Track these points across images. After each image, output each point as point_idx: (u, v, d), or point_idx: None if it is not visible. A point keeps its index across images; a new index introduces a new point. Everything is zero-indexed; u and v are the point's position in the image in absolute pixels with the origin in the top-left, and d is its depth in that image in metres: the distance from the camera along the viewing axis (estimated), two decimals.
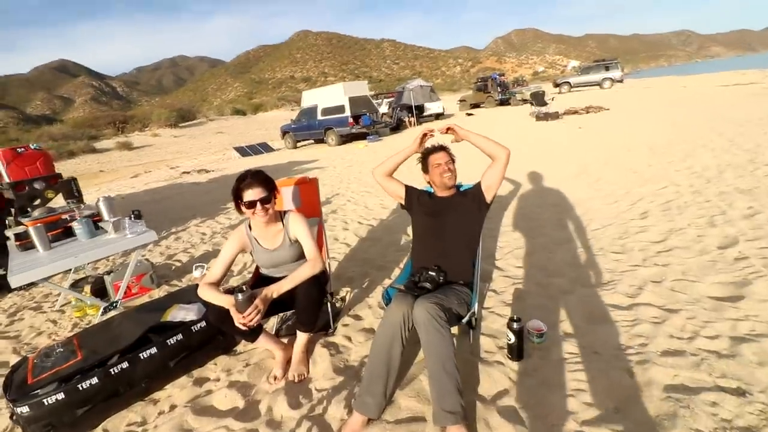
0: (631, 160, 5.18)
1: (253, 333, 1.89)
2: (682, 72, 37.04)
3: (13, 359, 2.50)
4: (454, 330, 2.07)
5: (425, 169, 2.16)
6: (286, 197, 2.44)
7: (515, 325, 1.76)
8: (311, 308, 1.91)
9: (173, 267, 3.90)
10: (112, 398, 1.84)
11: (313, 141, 15.38)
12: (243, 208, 1.92)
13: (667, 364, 1.61)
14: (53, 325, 2.95)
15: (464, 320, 1.78)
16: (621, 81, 21.43)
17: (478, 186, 2.07)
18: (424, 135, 2.16)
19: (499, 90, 20.52)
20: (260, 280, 2.18)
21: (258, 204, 1.88)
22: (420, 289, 1.78)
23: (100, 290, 3.18)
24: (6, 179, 3.58)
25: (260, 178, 1.92)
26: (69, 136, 27.89)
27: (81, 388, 1.73)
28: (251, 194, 1.87)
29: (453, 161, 2.12)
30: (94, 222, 2.79)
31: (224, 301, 1.74)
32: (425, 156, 2.14)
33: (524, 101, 16.92)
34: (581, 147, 6.59)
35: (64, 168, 19.74)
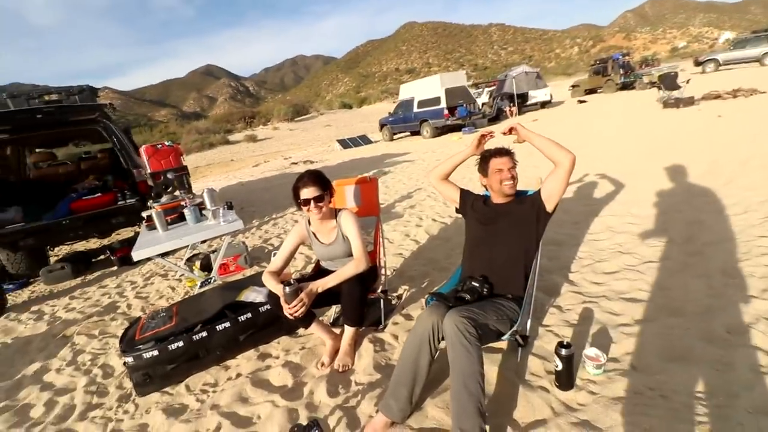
0: None
1: (304, 320, 2.05)
2: None
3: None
4: (503, 345, 1.96)
5: (484, 173, 2.05)
6: (347, 195, 2.57)
7: (563, 351, 1.60)
8: (353, 305, 2.00)
9: (266, 250, 4.41)
10: (194, 360, 2.20)
11: (409, 133, 15.56)
12: (301, 205, 2.10)
13: (757, 427, 1.29)
14: (171, 291, 3.62)
15: (504, 338, 1.67)
16: None
17: (538, 194, 1.90)
18: (483, 137, 2.05)
19: (621, 72, 17.89)
20: (319, 271, 2.35)
21: (312, 202, 2.03)
22: (458, 299, 1.72)
23: (206, 266, 3.78)
24: (148, 170, 4.43)
25: (315, 178, 2.07)
26: (210, 129, 32.99)
27: (170, 349, 2.11)
28: (306, 193, 2.03)
29: (515, 167, 1.98)
30: (200, 209, 3.31)
31: (278, 290, 1.94)
32: (486, 158, 2.04)
33: (652, 84, 14.49)
34: (716, 140, 5.42)
35: (205, 157, 23.50)
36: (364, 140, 16.59)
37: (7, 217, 4.35)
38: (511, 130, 2.01)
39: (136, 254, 2.63)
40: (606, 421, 1.44)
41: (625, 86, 17.64)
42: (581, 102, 16.21)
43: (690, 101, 9.12)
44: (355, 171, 9.03)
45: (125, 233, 5.99)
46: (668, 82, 10.44)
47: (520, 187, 2.05)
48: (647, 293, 2.20)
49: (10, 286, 4.57)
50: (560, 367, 1.62)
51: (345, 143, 16.36)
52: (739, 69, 17.25)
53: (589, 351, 1.70)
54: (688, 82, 10.22)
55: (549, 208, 1.87)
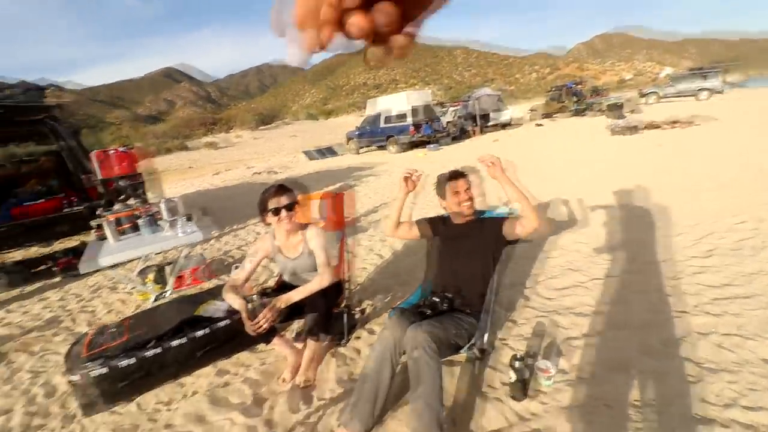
0: (710, 185, 4.57)
1: (266, 336, 2.03)
2: None
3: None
4: (461, 358, 2.02)
5: (442, 195, 2.11)
6: (314, 209, 2.58)
7: (517, 364, 1.69)
8: (317, 319, 2.00)
9: (226, 262, 4.27)
10: (146, 377, 2.09)
11: (375, 148, 15.74)
12: (268, 217, 2.08)
13: None
14: (122, 304, 3.42)
15: (462, 351, 1.74)
16: (721, 92, 18.89)
17: (499, 226, 1.95)
18: (407, 178, 1.97)
19: (574, 100, 19.24)
20: (282, 286, 2.33)
21: (283, 210, 2.03)
22: (419, 314, 1.78)
23: (160, 278, 3.60)
24: (99, 176, 4.20)
25: (285, 188, 2.09)
26: (168, 134, 31.69)
27: (120, 366, 2.00)
28: (276, 202, 2.03)
29: (470, 188, 2.07)
30: (156, 219, 3.18)
31: (240, 305, 1.90)
32: (442, 182, 2.10)
33: (602, 112, 15.70)
34: (656, 168, 5.95)
35: (161, 163, 22.45)
36: (331, 152, 16.58)
37: None
38: (492, 163, 1.86)
39: (84, 265, 2.47)
40: (556, 429, 1.53)
41: (578, 112, 18.92)
42: (538, 125, 17.18)
43: (634, 129, 9.95)
44: (320, 183, 9.00)
45: (70, 242, 5.59)
46: (615, 111, 11.34)
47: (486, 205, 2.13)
48: (593, 308, 2.37)
49: None
50: (514, 379, 1.71)
51: (311, 154, 16.27)
52: (677, 102, 19.06)
53: (541, 363, 1.80)
54: (632, 111, 11.15)
55: (508, 239, 1.96)
